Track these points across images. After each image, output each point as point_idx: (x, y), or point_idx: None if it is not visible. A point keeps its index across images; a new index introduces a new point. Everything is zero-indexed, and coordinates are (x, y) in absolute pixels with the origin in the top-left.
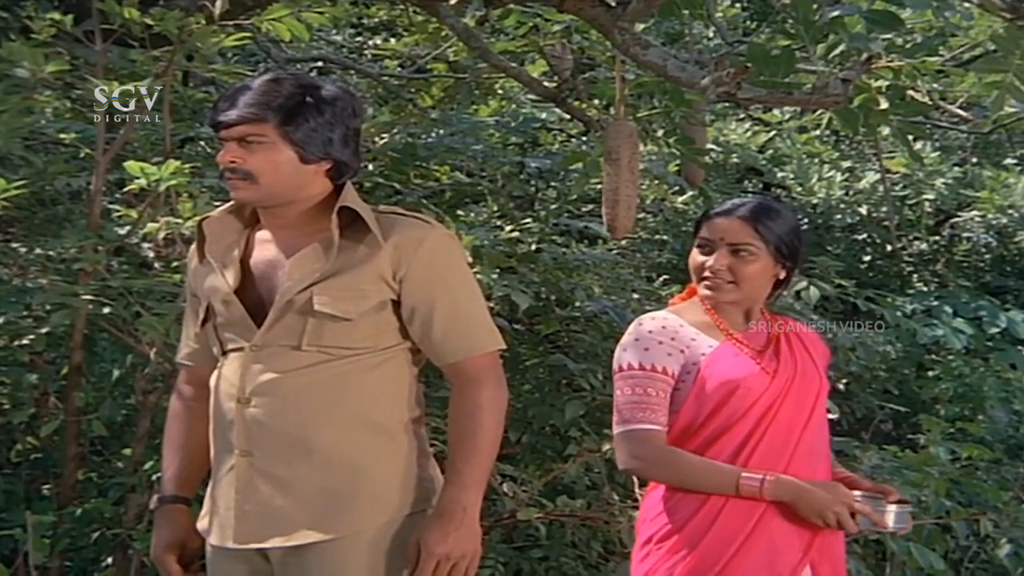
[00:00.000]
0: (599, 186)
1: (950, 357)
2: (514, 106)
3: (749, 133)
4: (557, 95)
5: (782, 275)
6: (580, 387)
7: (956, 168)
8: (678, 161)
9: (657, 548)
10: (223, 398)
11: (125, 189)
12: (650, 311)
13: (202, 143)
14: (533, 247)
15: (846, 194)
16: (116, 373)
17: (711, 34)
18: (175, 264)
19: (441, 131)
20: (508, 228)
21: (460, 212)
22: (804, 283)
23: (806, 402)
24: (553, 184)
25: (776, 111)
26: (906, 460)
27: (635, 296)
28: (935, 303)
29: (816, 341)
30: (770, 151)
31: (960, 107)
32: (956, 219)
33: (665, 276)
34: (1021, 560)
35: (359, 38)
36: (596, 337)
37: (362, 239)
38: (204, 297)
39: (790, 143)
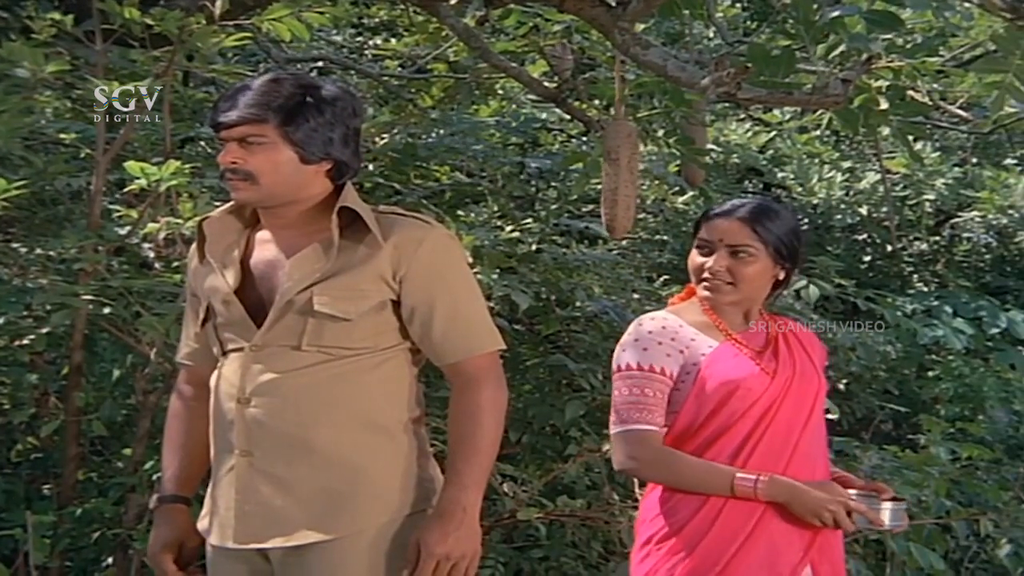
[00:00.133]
0: (599, 186)
1: (950, 357)
2: (514, 106)
3: (749, 133)
4: (557, 95)
5: (781, 276)
6: (580, 387)
7: (956, 168)
8: (678, 161)
9: (657, 548)
10: (223, 398)
11: (125, 189)
12: (650, 311)
13: (202, 143)
14: (533, 247)
15: (846, 194)
16: (116, 373)
17: (711, 34)
18: (175, 264)
19: (441, 131)
20: (508, 228)
21: (460, 212)
22: (804, 282)
23: (805, 402)
24: (553, 184)
25: (776, 111)
26: (906, 460)
27: (635, 296)
28: (935, 303)
29: (814, 341)
30: (770, 151)
31: (960, 107)
32: (956, 219)
33: (665, 276)
34: (1021, 560)
35: (359, 38)
36: (596, 337)
37: (362, 239)
38: (204, 297)
39: (790, 143)
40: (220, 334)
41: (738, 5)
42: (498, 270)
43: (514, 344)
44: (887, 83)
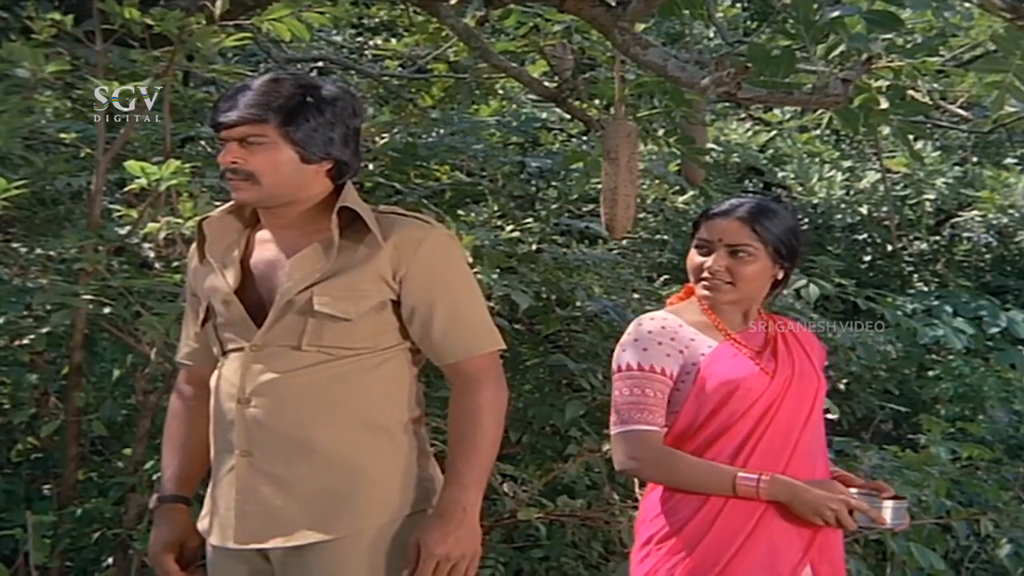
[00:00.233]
0: (599, 186)
1: (950, 357)
2: (515, 106)
3: (750, 133)
4: (557, 95)
5: (780, 275)
6: (580, 387)
7: (956, 168)
8: (678, 161)
9: (657, 548)
10: (223, 398)
11: (125, 189)
12: (650, 311)
13: (202, 143)
14: (533, 247)
15: (847, 194)
16: (116, 373)
17: (711, 34)
18: (175, 264)
19: (441, 131)
20: (508, 228)
21: (460, 212)
22: (804, 281)
23: (804, 402)
24: (554, 184)
25: (776, 111)
26: (906, 460)
27: (635, 296)
28: (935, 303)
29: (813, 341)
30: (771, 151)
31: (960, 107)
32: (956, 219)
33: (665, 276)
34: (1021, 560)
35: (359, 38)
36: (596, 337)
37: (362, 239)
38: (204, 297)
39: (791, 143)
40: (220, 334)
41: (738, 5)
42: (498, 270)
43: (514, 344)
44: (887, 83)
